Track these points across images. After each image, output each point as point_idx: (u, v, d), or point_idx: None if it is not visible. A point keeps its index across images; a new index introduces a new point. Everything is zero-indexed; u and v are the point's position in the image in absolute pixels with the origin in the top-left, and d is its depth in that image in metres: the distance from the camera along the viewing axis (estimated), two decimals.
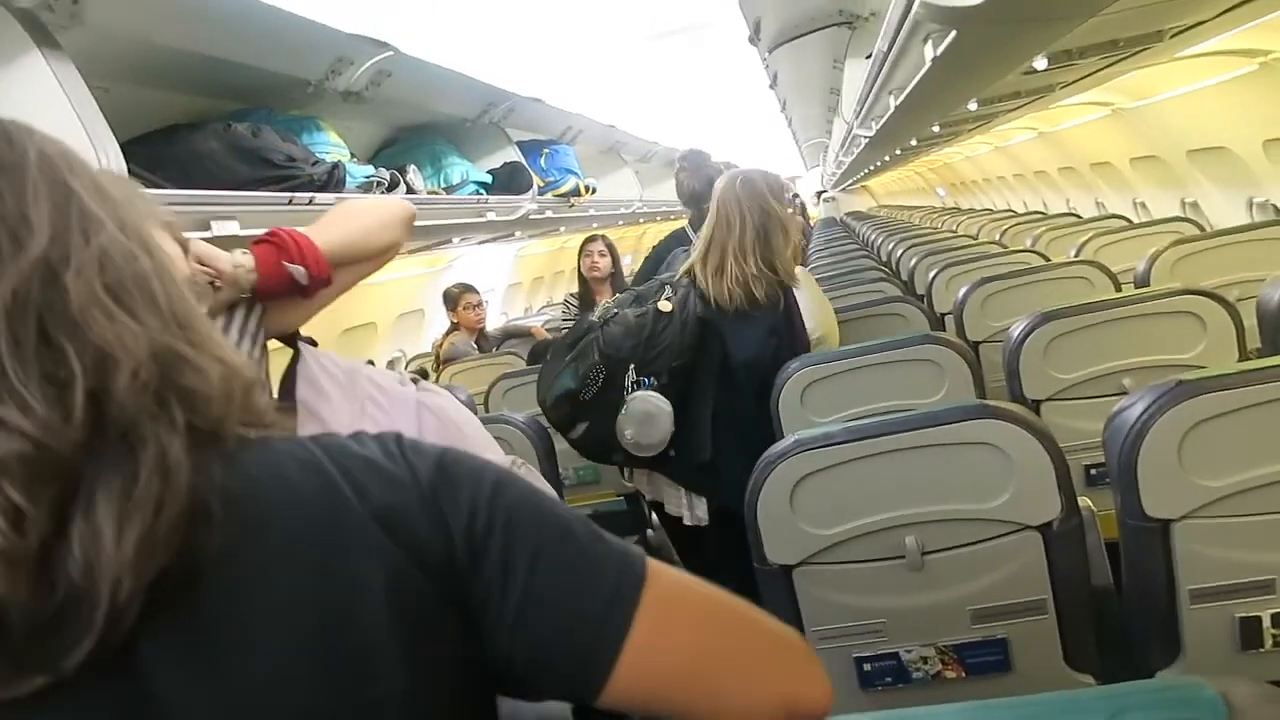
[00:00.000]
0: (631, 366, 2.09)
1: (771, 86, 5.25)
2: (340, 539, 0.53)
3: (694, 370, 2.12)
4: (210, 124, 2.22)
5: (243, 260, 1.01)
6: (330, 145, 2.67)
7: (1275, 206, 3.51)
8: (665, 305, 2.14)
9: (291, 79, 2.54)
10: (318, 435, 0.59)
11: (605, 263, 3.79)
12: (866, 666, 1.46)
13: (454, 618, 0.55)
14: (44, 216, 0.50)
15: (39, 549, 0.45)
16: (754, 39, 3.68)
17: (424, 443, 0.60)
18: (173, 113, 2.25)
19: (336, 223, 1.14)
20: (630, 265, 4.91)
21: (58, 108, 1.56)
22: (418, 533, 0.55)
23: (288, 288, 1.04)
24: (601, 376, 2.10)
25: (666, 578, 0.58)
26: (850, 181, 13.20)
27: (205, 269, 0.98)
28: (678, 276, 2.25)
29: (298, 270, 1.03)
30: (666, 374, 2.09)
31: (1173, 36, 2.16)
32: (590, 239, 3.87)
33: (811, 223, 12.87)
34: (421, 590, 0.54)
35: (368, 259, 1.15)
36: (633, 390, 2.09)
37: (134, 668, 0.48)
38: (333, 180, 2.45)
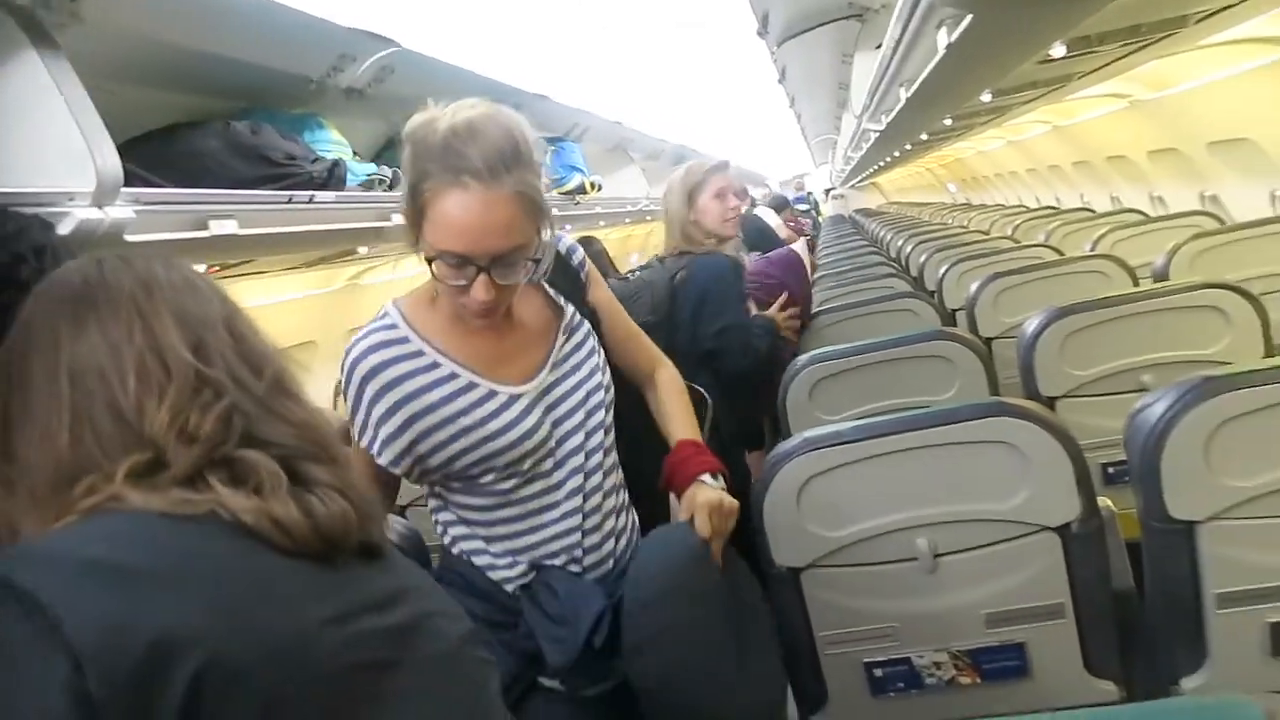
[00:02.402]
0: None
1: (780, 81, 5.20)
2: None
3: None
4: (210, 123, 2.19)
5: None
6: (332, 143, 2.64)
7: None
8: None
9: (293, 76, 2.51)
10: None
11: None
12: (878, 672, 1.42)
13: None
14: (269, 348, 0.78)
15: None
16: (762, 32, 3.63)
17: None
18: (175, 112, 2.23)
19: None
20: (637, 264, 4.87)
21: (53, 108, 1.53)
22: None
23: None
24: None
25: None
26: (859, 178, 13.12)
27: None
28: None
29: None
30: None
31: (1198, 22, 2.09)
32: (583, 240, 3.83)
33: (820, 217, 12.79)
34: None
35: None
36: None
37: None
38: (333, 178, 2.41)
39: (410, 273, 5.31)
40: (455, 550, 1.23)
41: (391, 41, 2.56)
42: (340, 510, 0.69)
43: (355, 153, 2.85)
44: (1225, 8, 1.95)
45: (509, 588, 1.20)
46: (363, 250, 3.50)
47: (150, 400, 0.67)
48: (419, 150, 1.14)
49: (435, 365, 1.17)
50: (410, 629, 0.70)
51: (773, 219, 5.09)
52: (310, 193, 2.24)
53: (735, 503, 1.21)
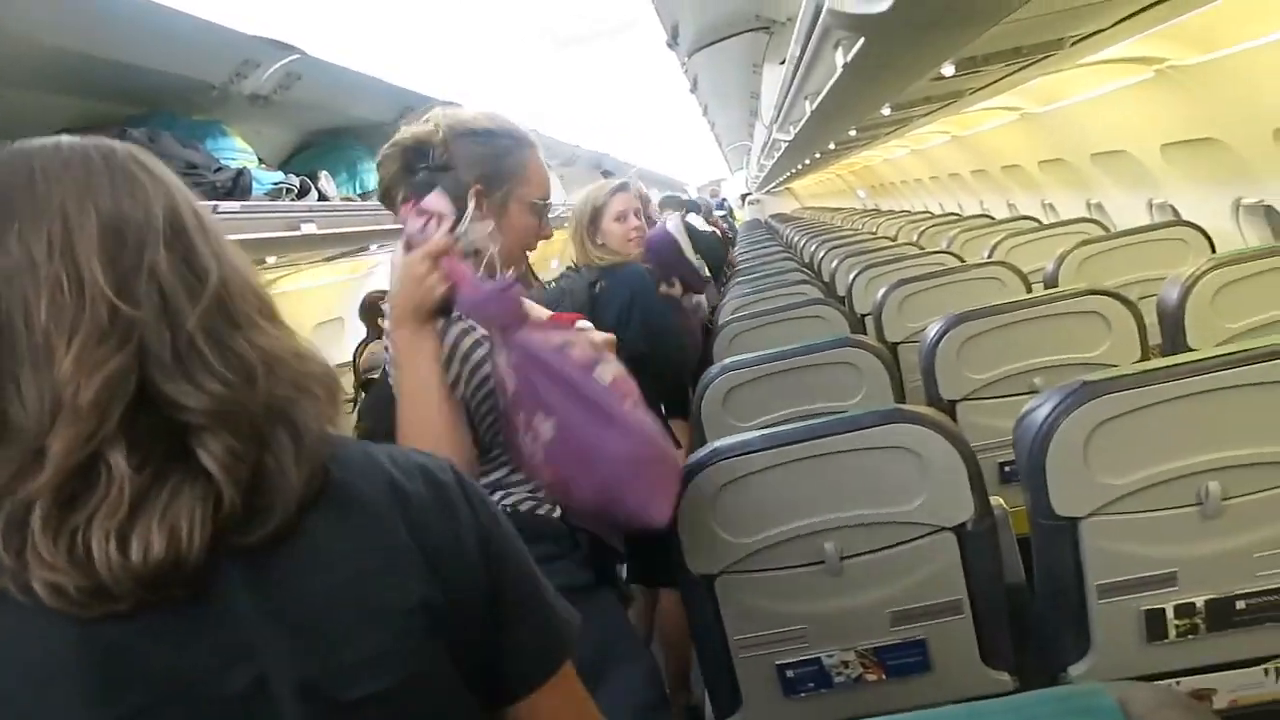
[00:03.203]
0: None
1: (692, 90, 5.28)
2: (390, 562, 0.64)
3: None
4: (103, 129, 2.11)
5: None
6: (236, 150, 2.57)
7: (1173, 208, 3.67)
8: None
9: (194, 82, 2.43)
10: (386, 448, 0.69)
11: None
12: (789, 673, 1.46)
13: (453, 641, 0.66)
14: (212, 261, 0.63)
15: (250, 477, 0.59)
16: (672, 43, 3.69)
17: (475, 485, 0.72)
18: (65, 117, 2.14)
19: None
20: (558, 271, 4.86)
21: None
22: (458, 576, 0.66)
23: None
24: None
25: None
26: (774, 184, 13.39)
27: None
28: None
29: None
30: None
31: (1073, 44, 2.23)
32: None
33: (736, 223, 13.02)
34: (440, 616, 0.64)
35: None
36: None
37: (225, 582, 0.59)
38: (238, 187, 2.36)
39: (318, 282, 5.19)
40: (504, 506, 1.31)
41: (294, 49, 2.51)
42: (181, 534, 0.54)
43: (261, 160, 2.78)
44: (1097, 32, 2.09)
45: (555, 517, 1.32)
46: (270, 260, 3.41)
47: (60, 340, 0.55)
48: (491, 130, 1.33)
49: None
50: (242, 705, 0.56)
51: (698, 223, 5.11)
52: (214, 202, 2.18)
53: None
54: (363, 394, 3.73)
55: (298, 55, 2.54)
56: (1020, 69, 2.56)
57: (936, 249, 4.21)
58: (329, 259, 4.20)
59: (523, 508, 1.31)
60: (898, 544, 1.40)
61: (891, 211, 9.40)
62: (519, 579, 0.70)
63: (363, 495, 0.64)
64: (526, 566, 0.72)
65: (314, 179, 2.93)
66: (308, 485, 0.60)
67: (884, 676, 1.44)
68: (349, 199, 3.14)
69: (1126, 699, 0.58)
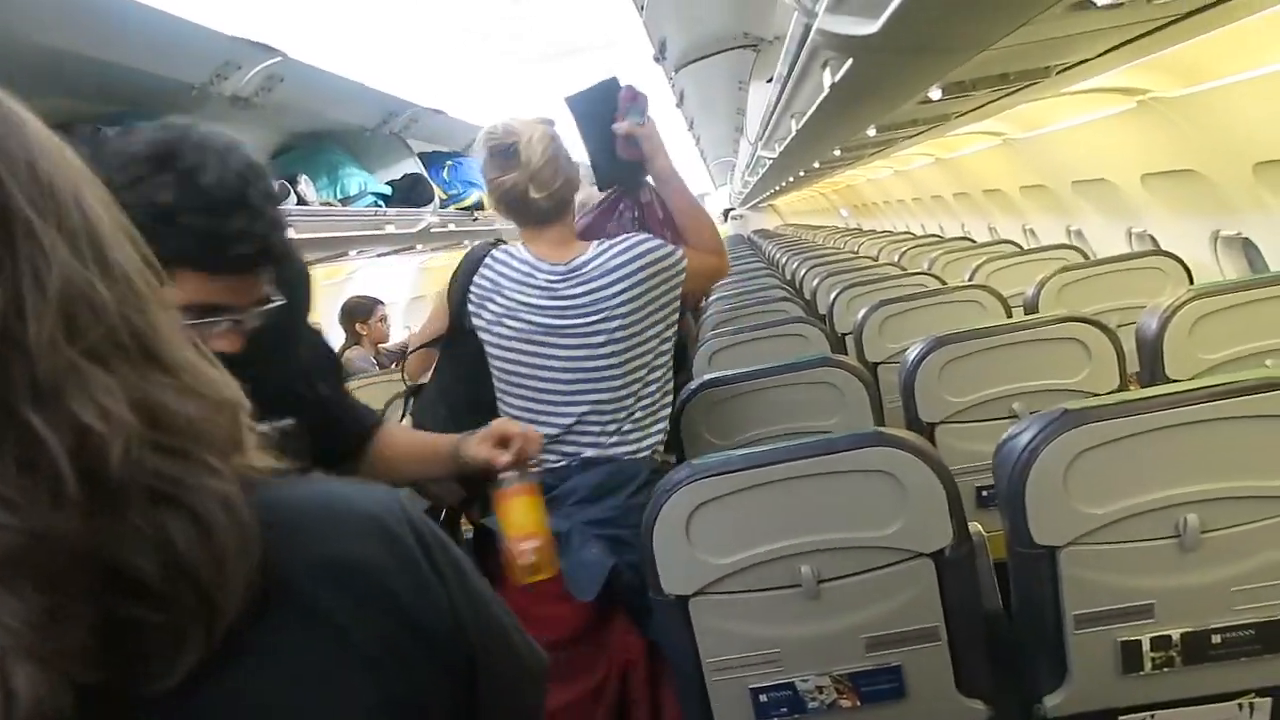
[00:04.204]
0: None
1: (678, 105, 5.29)
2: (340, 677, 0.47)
3: None
4: (77, 127, 2.07)
5: None
6: None
7: (1152, 237, 3.71)
8: None
9: (174, 82, 2.40)
10: (323, 493, 0.51)
11: None
12: (763, 697, 1.44)
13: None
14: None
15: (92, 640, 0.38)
16: (659, 58, 3.69)
17: (428, 523, 0.54)
18: (35, 113, 2.09)
19: None
20: None
21: None
22: (428, 658, 0.50)
23: None
24: None
25: None
26: (757, 200, 13.45)
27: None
28: None
29: None
30: None
31: (1059, 73, 2.24)
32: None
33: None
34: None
35: None
36: None
37: None
38: None
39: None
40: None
41: (276, 51, 2.48)
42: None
43: None
44: (1083, 61, 2.11)
45: None
46: None
47: None
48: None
49: None
50: None
51: None
52: None
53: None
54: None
55: (279, 58, 2.51)
56: (1006, 95, 2.58)
57: (918, 270, 4.23)
58: (307, 264, 4.16)
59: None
60: (875, 569, 1.39)
61: (873, 231, 9.46)
62: (486, 631, 0.56)
63: (301, 595, 0.46)
64: (492, 610, 0.58)
65: (294, 183, 2.90)
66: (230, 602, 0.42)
67: (858, 703, 1.42)
68: (329, 204, 3.11)
69: None
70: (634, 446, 1.67)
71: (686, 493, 1.39)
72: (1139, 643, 1.38)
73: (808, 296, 4.63)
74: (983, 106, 2.89)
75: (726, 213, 18.87)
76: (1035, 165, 4.47)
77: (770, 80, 2.87)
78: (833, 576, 1.40)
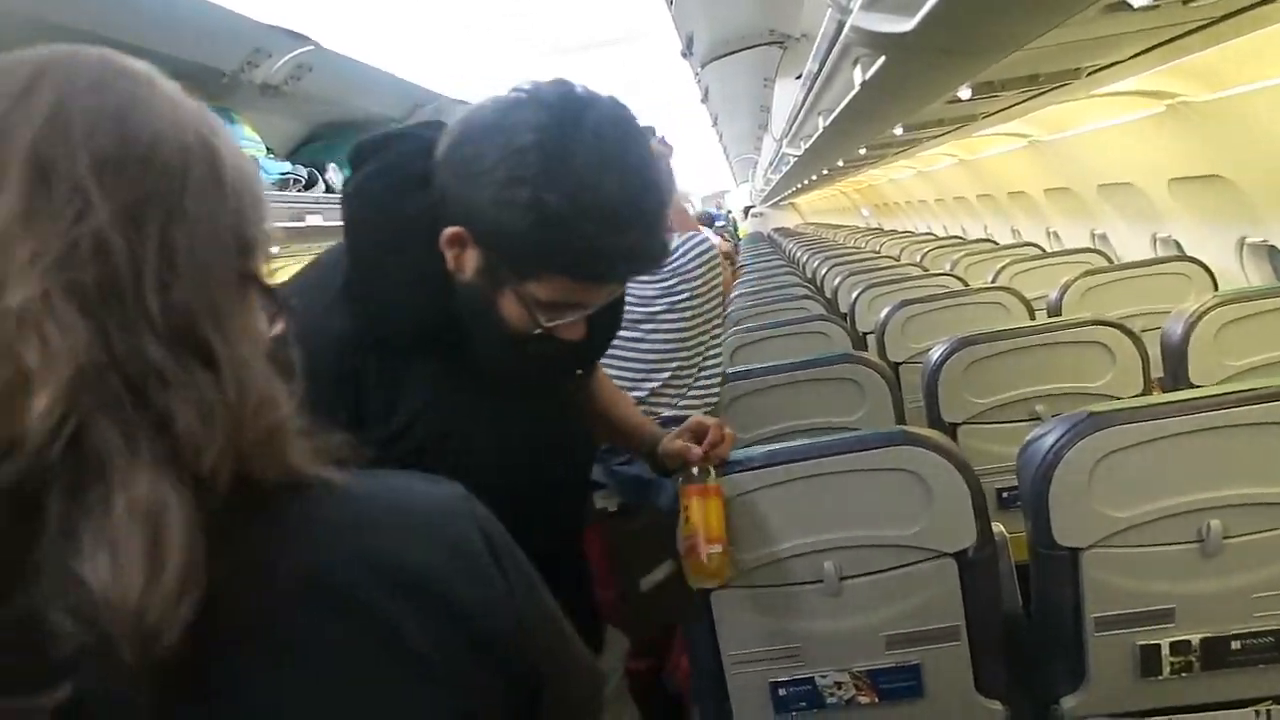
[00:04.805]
0: None
1: (703, 101, 5.29)
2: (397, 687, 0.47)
3: None
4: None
5: None
6: (244, 139, 2.56)
7: (1177, 242, 3.68)
8: None
9: (205, 68, 2.42)
10: (387, 490, 0.50)
11: None
12: (782, 691, 1.45)
13: None
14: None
15: None
16: (686, 53, 3.69)
17: (498, 529, 0.52)
18: None
19: None
20: None
21: None
22: (491, 673, 0.49)
23: None
24: None
25: None
26: (779, 198, 13.41)
27: None
28: None
29: None
30: None
31: (1089, 74, 2.23)
32: None
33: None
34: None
35: None
36: None
37: None
38: None
39: None
40: None
41: (308, 39, 2.50)
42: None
43: (270, 150, 2.77)
44: (1113, 64, 2.09)
45: None
46: (274, 250, 3.39)
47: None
48: None
49: None
50: None
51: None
52: None
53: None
54: None
55: (310, 47, 2.53)
56: (1035, 96, 2.56)
57: (940, 271, 4.22)
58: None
59: None
60: (897, 567, 1.39)
61: (895, 231, 9.42)
62: (552, 645, 0.56)
63: (355, 596, 0.45)
64: (560, 624, 0.58)
65: (321, 171, 2.92)
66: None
67: (876, 700, 1.43)
68: None
69: None
70: (698, 404, 1.92)
71: None
72: (1158, 647, 1.38)
73: (829, 295, 4.63)
74: (1011, 107, 2.87)
75: (747, 210, 18.84)
76: (1060, 168, 4.44)
77: (798, 77, 2.87)
78: (855, 574, 1.40)
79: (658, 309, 1.90)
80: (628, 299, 1.74)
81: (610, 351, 1.77)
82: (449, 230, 0.91)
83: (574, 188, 0.83)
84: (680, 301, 1.90)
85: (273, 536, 0.45)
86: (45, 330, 0.38)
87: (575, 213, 0.84)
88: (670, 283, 1.90)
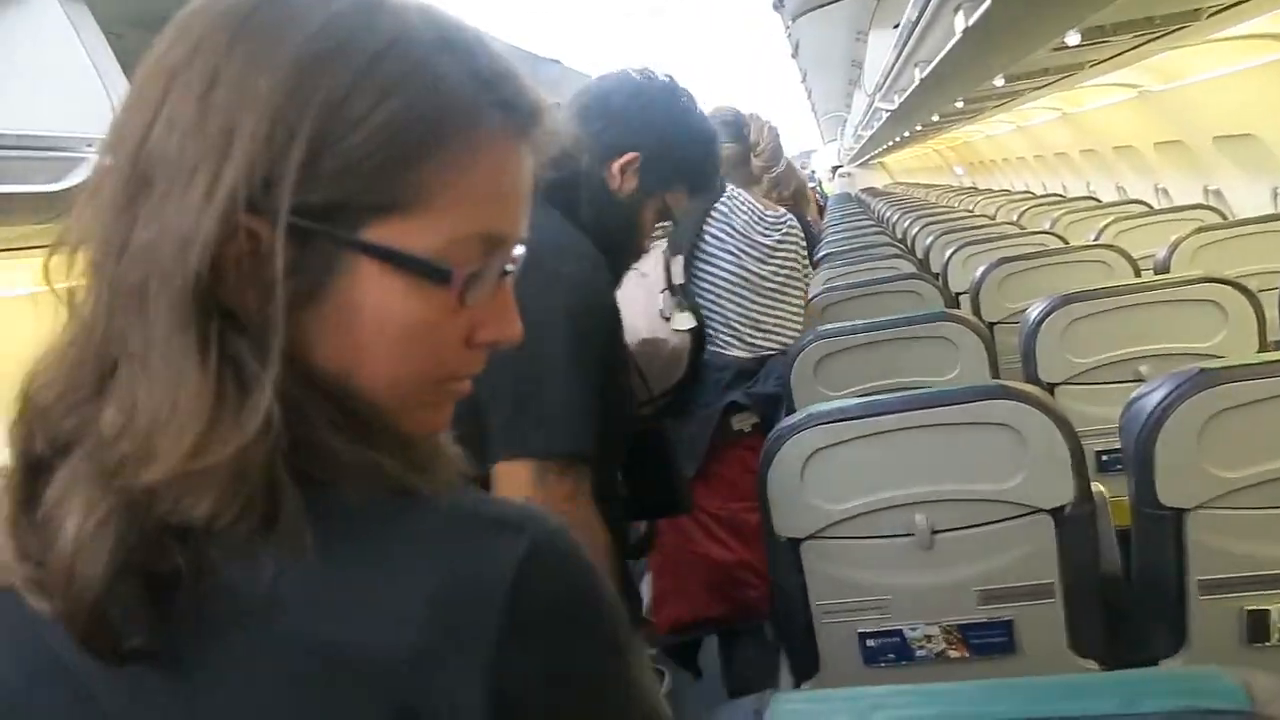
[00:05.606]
0: None
1: (793, 56, 5.18)
2: None
3: None
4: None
5: None
6: None
7: None
8: None
9: None
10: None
11: None
12: (870, 643, 1.46)
13: None
14: None
15: None
16: (778, 6, 3.62)
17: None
18: None
19: None
20: None
21: (70, 53, 1.53)
22: None
23: None
24: None
25: None
26: (868, 157, 13.08)
27: None
28: None
29: None
30: None
31: (1210, 15, 2.10)
32: None
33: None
34: None
35: None
36: None
37: None
38: None
39: None
40: None
41: None
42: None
43: None
44: (1237, 2, 1.97)
45: None
46: None
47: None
48: None
49: None
50: None
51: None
52: None
53: None
54: None
55: None
56: (1148, 41, 2.43)
57: (1038, 229, 4.07)
58: None
59: None
60: (991, 522, 1.38)
61: (990, 190, 9.09)
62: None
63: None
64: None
65: None
66: None
67: (967, 654, 1.43)
68: None
69: (1252, 683, 0.56)
70: (790, 340, 2.18)
71: (802, 439, 1.41)
72: (1266, 613, 1.33)
73: (920, 255, 4.52)
74: (1121, 54, 2.73)
75: (834, 169, 18.43)
76: (1172, 119, 4.21)
77: (895, 26, 2.79)
78: (947, 528, 1.40)
79: (775, 255, 2.20)
80: (750, 252, 2.15)
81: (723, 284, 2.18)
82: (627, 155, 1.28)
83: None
84: (789, 252, 2.24)
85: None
86: None
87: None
88: (780, 232, 2.22)
